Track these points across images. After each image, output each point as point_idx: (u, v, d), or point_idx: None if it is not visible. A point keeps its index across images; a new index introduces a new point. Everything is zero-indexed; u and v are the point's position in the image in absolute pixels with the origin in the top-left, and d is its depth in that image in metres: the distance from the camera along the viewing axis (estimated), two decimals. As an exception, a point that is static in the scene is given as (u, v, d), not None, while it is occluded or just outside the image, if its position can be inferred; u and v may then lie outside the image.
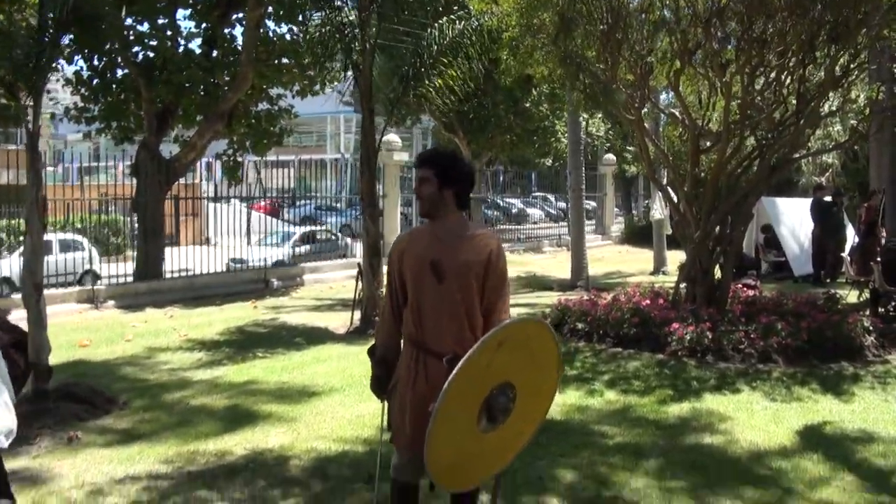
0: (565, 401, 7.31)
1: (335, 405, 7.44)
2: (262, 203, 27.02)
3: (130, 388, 8.31)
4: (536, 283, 17.30)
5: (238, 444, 6.35)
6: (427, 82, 11.16)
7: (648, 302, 10.32)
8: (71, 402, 7.86)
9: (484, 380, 3.59)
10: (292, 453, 6.08)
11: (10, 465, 5.94)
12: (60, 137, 51.41)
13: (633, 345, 9.50)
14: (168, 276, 16.59)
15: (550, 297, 13.59)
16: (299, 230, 23.03)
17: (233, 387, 8.25)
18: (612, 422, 6.82)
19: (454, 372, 3.46)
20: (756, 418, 6.90)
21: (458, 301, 3.87)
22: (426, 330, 3.90)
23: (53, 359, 9.57)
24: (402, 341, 4.05)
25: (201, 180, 25.00)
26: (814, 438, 6.40)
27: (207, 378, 8.66)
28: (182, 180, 18.08)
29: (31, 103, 7.55)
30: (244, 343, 10.68)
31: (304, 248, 21.58)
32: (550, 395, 4.04)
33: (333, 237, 23.02)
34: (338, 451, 6.13)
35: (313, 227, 24.06)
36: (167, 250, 16.96)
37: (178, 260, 17.16)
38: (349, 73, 11.54)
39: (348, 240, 23.13)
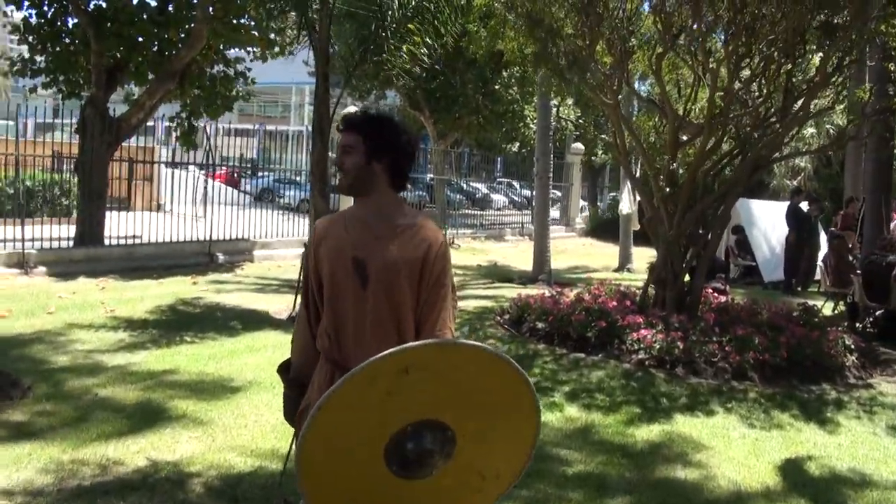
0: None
1: (260, 406, 6.56)
2: (222, 172, 26.01)
3: (37, 370, 7.36)
4: (497, 273, 16.51)
5: (140, 450, 5.46)
6: (392, 49, 10.24)
7: (615, 303, 9.56)
8: (-27, 382, 7.05)
9: (385, 410, 2.66)
10: (200, 467, 5.21)
11: None
12: (21, 91, 49.63)
13: (596, 350, 8.72)
14: (110, 242, 15.48)
15: (511, 290, 12.83)
16: None
17: (150, 376, 7.34)
18: (573, 444, 6.02)
19: (329, 390, 2.60)
20: (734, 448, 6.14)
21: (386, 310, 3.01)
22: (345, 346, 3.04)
23: (-40, 330, 8.76)
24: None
25: (158, 144, 23.92)
26: (800, 477, 5.66)
27: (124, 364, 7.73)
28: (139, 143, 16.94)
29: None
30: (173, 324, 9.75)
31: None
32: (510, 449, 2.98)
33: None
34: (253, 466, 5.26)
35: None
36: (117, 215, 15.85)
37: (127, 226, 15.94)
38: (305, 34, 10.51)
39: None
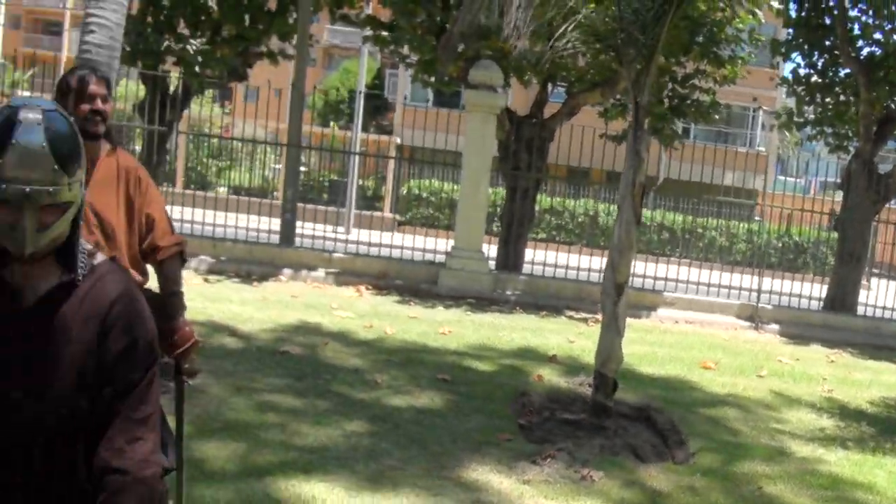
0: None
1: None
2: None
3: (712, 437, 6.64)
4: None
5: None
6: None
7: None
8: (644, 427, 6.82)
9: None
10: None
11: (478, 475, 4.87)
12: (809, 150, 50.14)
13: None
14: (864, 311, 14.02)
15: None
16: None
17: (834, 484, 5.89)
18: None
19: None
20: None
21: None
22: None
23: (675, 371, 8.76)
24: None
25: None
26: None
27: (810, 458, 6.44)
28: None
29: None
30: (894, 425, 8.00)
31: None
32: None
33: None
34: None
35: None
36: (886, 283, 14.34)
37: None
38: None
39: None
